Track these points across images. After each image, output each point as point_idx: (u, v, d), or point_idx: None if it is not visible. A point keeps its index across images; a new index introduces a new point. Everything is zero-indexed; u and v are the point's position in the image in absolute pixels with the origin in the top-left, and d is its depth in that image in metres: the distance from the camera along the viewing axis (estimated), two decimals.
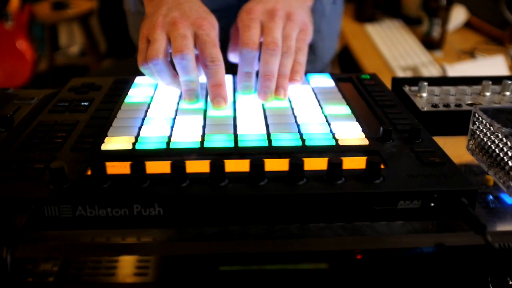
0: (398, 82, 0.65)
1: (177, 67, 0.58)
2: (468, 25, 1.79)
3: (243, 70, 0.61)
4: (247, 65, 0.60)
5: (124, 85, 0.64)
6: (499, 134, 0.46)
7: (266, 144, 0.48)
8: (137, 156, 0.46)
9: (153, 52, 0.57)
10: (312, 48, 0.89)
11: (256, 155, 0.46)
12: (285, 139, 0.49)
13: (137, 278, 0.42)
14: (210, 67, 0.58)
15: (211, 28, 0.60)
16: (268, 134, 0.50)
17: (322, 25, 0.89)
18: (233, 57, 0.68)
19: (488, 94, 0.61)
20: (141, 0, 0.74)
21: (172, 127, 0.52)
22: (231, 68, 0.66)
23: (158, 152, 0.47)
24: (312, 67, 0.90)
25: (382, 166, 0.43)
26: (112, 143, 0.49)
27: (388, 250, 0.41)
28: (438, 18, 1.59)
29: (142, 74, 0.63)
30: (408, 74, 1.45)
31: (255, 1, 0.64)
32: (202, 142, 0.49)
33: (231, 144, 0.48)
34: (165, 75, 0.59)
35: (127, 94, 0.61)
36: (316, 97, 0.60)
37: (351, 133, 0.51)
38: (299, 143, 0.48)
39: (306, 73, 0.69)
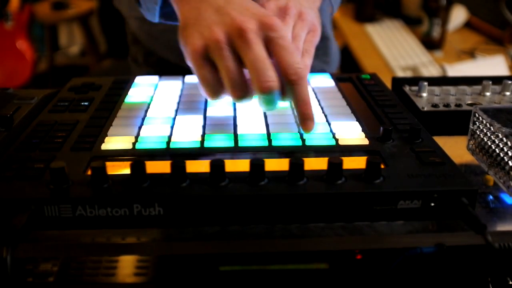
0: (398, 82, 0.65)
1: (260, 100, 0.47)
2: (468, 25, 1.79)
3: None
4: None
5: (124, 85, 0.64)
6: (499, 134, 0.46)
7: (266, 143, 0.48)
8: (137, 156, 0.46)
9: (245, 90, 0.46)
10: (326, 50, 0.89)
11: (256, 154, 0.46)
12: (285, 138, 0.49)
13: (137, 278, 0.42)
14: (296, 82, 0.46)
15: (280, 25, 0.48)
16: (268, 134, 0.50)
17: (326, 31, 0.89)
18: None
19: (488, 94, 0.61)
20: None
21: (172, 127, 0.52)
22: None
23: (158, 152, 0.47)
24: (328, 68, 0.91)
25: (382, 166, 0.43)
26: (112, 142, 0.49)
27: (388, 250, 0.41)
28: (438, 18, 1.59)
29: (141, 74, 0.62)
30: (408, 74, 1.45)
31: None
32: (202, 141, 0.48)
33: (231, 144, 0.48)
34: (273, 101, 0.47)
35: (127, 94, 0.61)
36: (316, 97, 0.60)
37: (351, 133, 0.51)
38: (299, 142, 0.48)
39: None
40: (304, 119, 0.48)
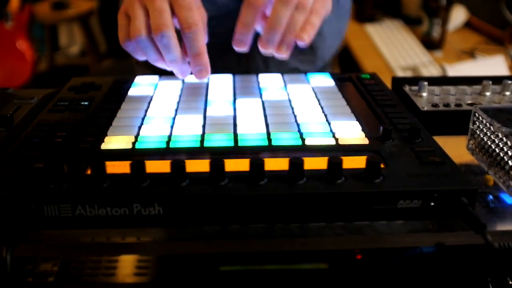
0: (398, 82, 0.65)
1: (159, 46, 0.55)
2: (468, 25, 1.79)
3: (242, 21, 0.57)
4: (249, 16, 0.56)
5: (124, 85, 0.64)
6: (499, 134, 0.46)
7: (266, 143, 0.48)
8: (137, 156, 0.46)
9: (136, 29, 0.55)
10: (313, 49, 0.88)
11: (256, 154, 0.46)
12: (285, 138, 0.49)
13: (137, 278, 0.42)
14: (186, 35, 0.55)
15: None
16: (268, 134, 0.50)
17: (324, 26, 0.88)
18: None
19: (488, 94, 0.61)
20: None
21: (172, 127, 0.52)
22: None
23: (158, 152, 0.47)
24: (313, 66, 0.90)
25: (382, 166, 0.43)
26: (112, 142, 0.49)
27: (388, 249, 0.41)
28: (438, 18, 1.59)
29: (143, 74, 0.62)
30: (408, 74, 1.45)
31: None
32: (202, 141, 0.48)
33: (231, 144, 0.48)
34: (151, 52, 0.57)
35: (127, 93, 0.61)
36: (316, 97, 0.60)
37: (351, 132, 0.51)
38: (299, 142, 0.48)
39: (305, 72, 0.69)
40: (196, 68, 0.56)
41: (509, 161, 0.45)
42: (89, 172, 0.42)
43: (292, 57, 0.61)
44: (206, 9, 0.64)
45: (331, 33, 0.91)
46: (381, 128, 0.49)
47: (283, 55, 0.57)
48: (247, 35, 0.58)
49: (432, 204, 0.40)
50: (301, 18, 0.57)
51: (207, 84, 0.65)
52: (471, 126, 0.52)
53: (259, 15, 0.57)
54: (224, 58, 0.75)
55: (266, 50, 0.57)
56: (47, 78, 2.82)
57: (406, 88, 0.63)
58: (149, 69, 0.88)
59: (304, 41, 0.57)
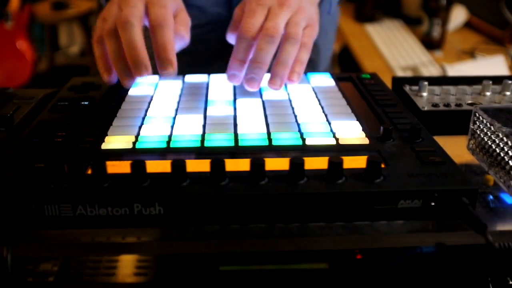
0: (398, 82, 0.65)
1: (122, 38, 0.55)
2: (468, 25, 1.79)
3: (235, 57, 0.58)
4: (240, 53, 0.57)
5: None
6: (500, 134, 0.46)
7: (266, 143, 0.48)
8: (137, 155, 0.46)
9: (107, 25, 0.56)
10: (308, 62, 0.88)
11: (257, 154, 0.46)
12: (285, 138, 0.49)
13: (137, 278, 0.42)
14: (152, 28, 0.55)
15: None
16: (269, 133, 0.50)
17: (319, 39, 0.88)
18: (231, 39, 0.64)
19: (488, 93, 0.61)
20: None
21: (172, 126, 0.52)
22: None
23: (158, 151, 0.47)
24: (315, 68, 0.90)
25: (382, 165, 0.43)
26: (112, 142, 0.49)
27: (388, 249, 0.41)
28: (438, 18, 1.59)
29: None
30: (408, 74, 1.45)
31: None
32: (202, 141, 0.48)
33: (232, 143, 0.48)
34: (114, 49, 0.57)
35: (127, 93, 0.61)
36: (317, 96, 0.60)
37: (352, 132, 0.51)
38: (300, 142, 0.48)
39: (305, 73, 0.69)
40: (159, 62, 0.55)
41: (510, 161, 0.45)
42: (89, 172, 0.42)
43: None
44: (197, 17, 0.64)
45: (324, 44, 0.90)
46: (382, 128, 0.49)
47: (277, 88, 0.58)
48: (241, 70, 0.58)
49: (433, 204, 0.40)
50: (294, 50, 0.57)
51: (207, 84, 0.65)
52: (471, 126, 0.52)
53: (252, 49, 0.57)
54: (216, 65, 0.75)
55: (251, 88, 0.58)
56: (47, 78, 2.82)
57: (406, 88, 0.63)
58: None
59: (295, 82, 0.59)
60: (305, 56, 0.59)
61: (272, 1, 0.58)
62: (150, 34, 0.55)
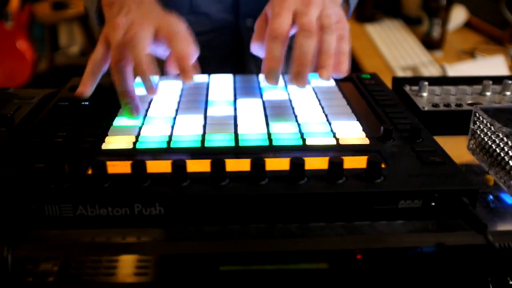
0: (398, 82, 0.65)
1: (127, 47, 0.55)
2: (468, 25, 1.79)
3: (270, 58, 0.55)
4: (274, 52, 0.54)
5: None
6: (500, 134, 0.46)
7: (266, 143, 0.48)
8: (137, 155, 0.46)
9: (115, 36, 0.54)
10: None
11: (257, 154, 0.46)
12: (285, 138, 0.49)
13: (137, 278, 0.42)
14: (169, 42, 0.55)
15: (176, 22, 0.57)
16: (269, 134, 0.50)
17: None
18: (255, 49, 0.61)
19: (488, 93, 0.61)
20: (101, 15, 0.68)
21: (172, 127, 0.52)
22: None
23: (158, 152, 0.47)
24: None
25: (382, 166, 0.43)
26: (112, 142, 0.49)
27: (388, 249, 0.41)
28: (438, 18, 1.59)
29: None
30: (408, 74, 1.45)
31: None
32: (202, 141, 0.48)
33: (232, 144, 0.48)
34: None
35: None
36: (317, 97, 0.60)
37: (352, 132, 0.51)
38: (300, 142, 0.48)
39: None
40: (182, 72, 0.54)
41: (510, 161, 0.45)
42: (90, 172, 0.42)
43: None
44: (204, 23, 0.63)
45: None
46: (382, 128, 0.49)
47: (326, 79, 0.54)
48: (277, 69, 0.55)
49: (433, 204, 0.40)
50: (333, 38, 0.55)
51: (208, 84, 0.65)
52: (471, 126, 0.52)
53: (284, 48, 0.55)
54: (220, 70, 0.75)
55: (300, 85, 0.54)
56: (47, 78, 2.82)
57: (407, 88, 0.63)
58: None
59: (344, 73, 0.56)
60: (346, 47, 0.57)
61: (296, 3, 0.57)
62: (168, 46, 0.56)
